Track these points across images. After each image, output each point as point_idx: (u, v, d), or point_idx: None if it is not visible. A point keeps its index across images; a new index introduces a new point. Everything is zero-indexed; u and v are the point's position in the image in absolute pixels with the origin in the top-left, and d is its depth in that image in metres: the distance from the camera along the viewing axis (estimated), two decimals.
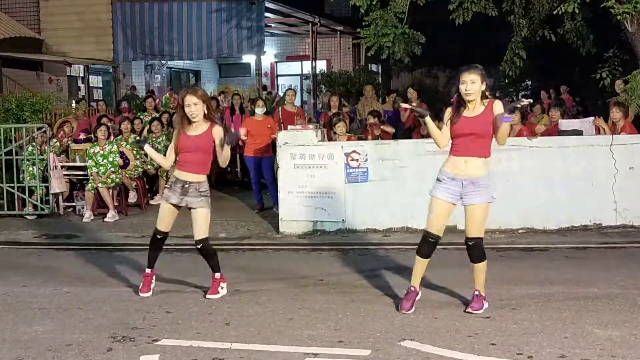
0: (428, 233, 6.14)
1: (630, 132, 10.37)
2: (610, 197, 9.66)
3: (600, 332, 5.49)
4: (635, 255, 8.27)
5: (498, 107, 5.96)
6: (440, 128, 6.14)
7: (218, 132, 6.64)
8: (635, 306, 6.15)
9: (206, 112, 6.62)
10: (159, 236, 6.97)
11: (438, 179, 6.11)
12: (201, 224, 6.73)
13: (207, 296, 6.79)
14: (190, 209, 6.72)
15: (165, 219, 6.89)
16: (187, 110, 6.57)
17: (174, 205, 6.76)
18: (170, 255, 9.02)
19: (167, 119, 14.52)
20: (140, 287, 7.01)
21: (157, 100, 15.83)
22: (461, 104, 6.02)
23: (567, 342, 5.30)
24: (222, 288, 6.87)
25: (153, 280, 7.04)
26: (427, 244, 6.16)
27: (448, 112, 6.13)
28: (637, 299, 6.36)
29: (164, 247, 9.48)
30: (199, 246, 6.78)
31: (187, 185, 6.65)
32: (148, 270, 7.02)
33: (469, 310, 6.06)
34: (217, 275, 6.90)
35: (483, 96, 5.99)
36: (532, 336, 5.45)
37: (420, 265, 6.24)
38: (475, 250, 6.08)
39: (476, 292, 6.16)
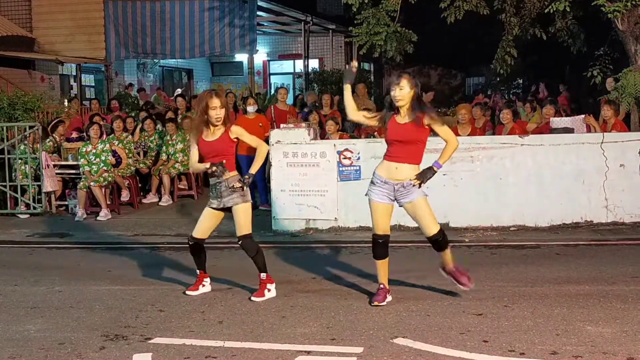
0: (376, 235, 6.37)
1: (620, 130, 10.42)
2: (601, 194, 9.71)
3: (591, 329, 5.53)
4: (626, 253, 8.31)
5: (427, 119, 6.11)
6: (358, 108, 6.46)
7: (236, 131, 6.58)
8: (626, 303, 6.19)
9: (226, 117, 6.57)
10: (190, 242, 6.85)
11: (372, 182, 6.28)
12: (239, 221, 6.60)
13: (252, 298, 6.66)
14: (228, 208, 6.64)
15: (200, 224, 6.78)
16: (213, 113, 6.45)
17: (215, 209, 6.68)
18: (164, 254, 9.04)
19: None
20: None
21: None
22: (394, 108, 6.20)
23: (558, 338, 5.33)
24: (268, 290, 6.71)
25: (204, 282, 6.97)
26: (378, 245, 6.40)
27: (384, 114, 6.32)
28: (628, 295, 6.41)
29: (157, 245, 9.56)
30: (239, 243, 6.70)
31: (218, 186, 6.59)
32: (198, 272, 6.99)
33: (462, 287, 6.29)
34: (263, 275, 6.74)
35: (416, 105, 6.11)
36: (524, 333, 5.48)
37: (381, 267, 6.47)
38: (441, 243, 6.32)
39: (454, 268, 6.39)
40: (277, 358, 5.12)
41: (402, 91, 6.07)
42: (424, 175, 6.13)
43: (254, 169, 6.68)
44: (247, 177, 6.61)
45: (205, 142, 6.59)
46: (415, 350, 5.18)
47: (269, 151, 9.91)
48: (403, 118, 6.15)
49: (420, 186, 6.14)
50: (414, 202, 6.16)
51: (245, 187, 6.59)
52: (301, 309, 6.35)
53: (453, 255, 6.44)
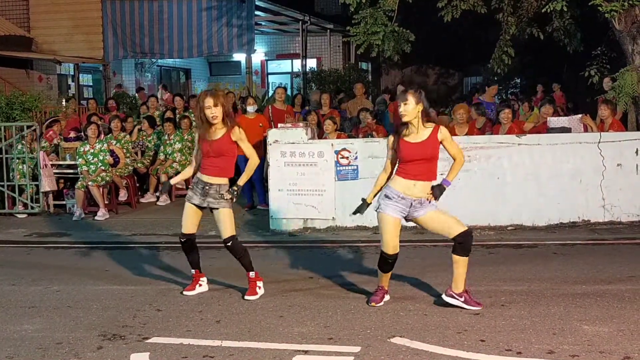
0: (386, 255, 6.26)
1: (618, 130, 10.43)
2: (598, 194, 9.72)
3: (588, 328, 5.54)
4: (623, 252, 8.33)
5: (442, 135, 6.12)
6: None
7: (237, 134, 6.59)
8: (623, 302, 6.20)
9: (225, 116, 6.57)
10: (182, 239, 6.85)
11: (387, 196, 6.18)
12: (225, 223, 6.65)
13: (246, 297, 6.68)
14: (212, 209, 6.67)
15: (187, 221, 6.80)
16: (208, 112, 6.50)
17: (196, 206, 6.71)
18: (162, 254, 9.05)
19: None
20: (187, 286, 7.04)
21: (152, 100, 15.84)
22: (401, 127, 6.17)
23: (555, 338, 5.34)
24: (259, 288, 6.78)
25: (201, 281, 6.98)
26: (387, 263, 6.32)
27: (391, 139, 6.25)
28: (625, 294, 6.42)
29: (155, 245, 9.56)
30: (227, 244, 6.71)
31: (207, 187, 6.61)
32: (193, 271, 7.00)
33: (478, 307, 6.12)
34: (252, 274, 6.80)
35: (425, 120, 6.13)
36: (521, 332, 5.49)
37: (384, 276, 6.42)
38: (468, 242, 6.15)
39: (466, 292, 6.23)
40: (275, 357, 5.13)
41: (407, 107, 6.03)
42: (439, 192, 6.14)
43: (241, 181, 6.73)
44: (235, 188, 6.65)
45: (206, 141, 6.63)
46: (413, 349, 5.19)
47: (266, 150, 9.99)
48: (418, 136, 6.10)
49: (435, 200, 6.16)
50: (424, 216, 6.13)
51: (234, 199, 6.64)
52: (298, 308, 6.35)
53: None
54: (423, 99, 6.10)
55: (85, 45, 20.16)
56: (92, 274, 7.99)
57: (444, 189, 6.17)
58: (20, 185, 12.33)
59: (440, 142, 6.13)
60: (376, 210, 6.24)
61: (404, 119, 6.08)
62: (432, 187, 6.15)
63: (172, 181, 7.18)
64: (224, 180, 6.66)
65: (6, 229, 11.21)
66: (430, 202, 6.14)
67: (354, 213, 6.41)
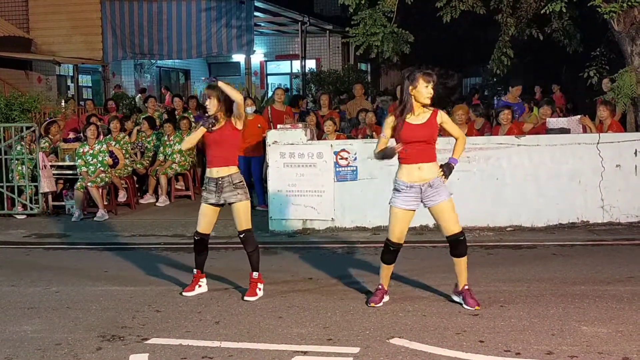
0: (389, 242, 6.29)
1: (616, 131, 10.42)
2: (597, 194, 9.73)
3: (587, 329, 5.54)
4: (622, 253, 8.33)
5: (441, 117, 6.16)
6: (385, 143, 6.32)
7: (237, 115, 6.67)
8: (622, 303, 6.20)
9: (225, 110, 6.67)
10: (196, 237, 6.90)
11: (396, 189, 6.22)
12: (240, 217, 6.73)
13: (245, 298, 6.69)
14: (229, 204, 6.72)
15: (203, 220, 6.84)
16: (205, 104, 6.74)
17: (213, 205, 6.75)
18: (161, 254, 9.04)
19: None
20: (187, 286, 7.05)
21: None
22: (405, 109, 6.14)
23: (554, 339, 5.34)
24: (259, 290, 6.81)
25: (201, 282, 6.99)
26: (389, 252, 6.33)
27: (392, 120, 6.22)
28: (624, 295, 6.42)
29: (154, 246, 9.56)
30: (240, 236, 6.79)
31: (220, 182, 6.67)
32: (195, 271, 7.01)
33: (476, 307, 6.13)
34: (255, 274, 6.82)
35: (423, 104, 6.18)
36: (520, 333, 5.49)
37: (386, 271, 6.43)
38: (462, 244, 6.20)
39: (466, 287, 6.26)
40: (274, 358, 5.13)
41: (430, 89, 6.09)
42: (448, 170, 6.15)
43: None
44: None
45: (209, 132, 6.70)
46: (412, 350, 5.19)
47: (266, 151, 9.97)
48: (418, 118, 6.13)
49: (446, 179, 6.14)
50: (441, 204, 6.11)
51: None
52: (298, 309, 6.36)
53: (467, 271, 6.32)
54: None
55: (84, 46, 20.18)
56: (91, 274, 7.99)
57: (453, 167, 6.18)
58: (19, 186, 12.32)
59: (440, 125, 6.16)
60: (389, 204, 6.27)
61: (428, 101, 6.09)
62: (441, 166, 6.16)
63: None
64: (233, 169, 6.72)
65: (5, 230, 11.21)
66: (443, 181, 6.12)
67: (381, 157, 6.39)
